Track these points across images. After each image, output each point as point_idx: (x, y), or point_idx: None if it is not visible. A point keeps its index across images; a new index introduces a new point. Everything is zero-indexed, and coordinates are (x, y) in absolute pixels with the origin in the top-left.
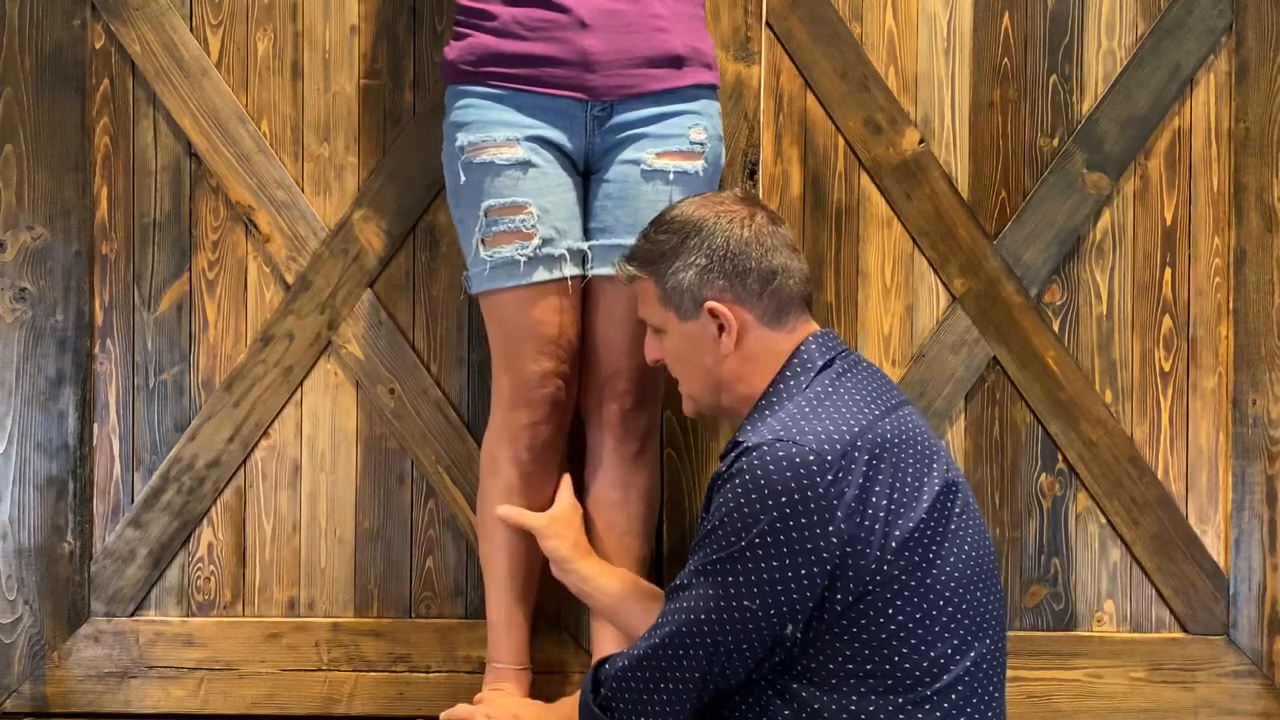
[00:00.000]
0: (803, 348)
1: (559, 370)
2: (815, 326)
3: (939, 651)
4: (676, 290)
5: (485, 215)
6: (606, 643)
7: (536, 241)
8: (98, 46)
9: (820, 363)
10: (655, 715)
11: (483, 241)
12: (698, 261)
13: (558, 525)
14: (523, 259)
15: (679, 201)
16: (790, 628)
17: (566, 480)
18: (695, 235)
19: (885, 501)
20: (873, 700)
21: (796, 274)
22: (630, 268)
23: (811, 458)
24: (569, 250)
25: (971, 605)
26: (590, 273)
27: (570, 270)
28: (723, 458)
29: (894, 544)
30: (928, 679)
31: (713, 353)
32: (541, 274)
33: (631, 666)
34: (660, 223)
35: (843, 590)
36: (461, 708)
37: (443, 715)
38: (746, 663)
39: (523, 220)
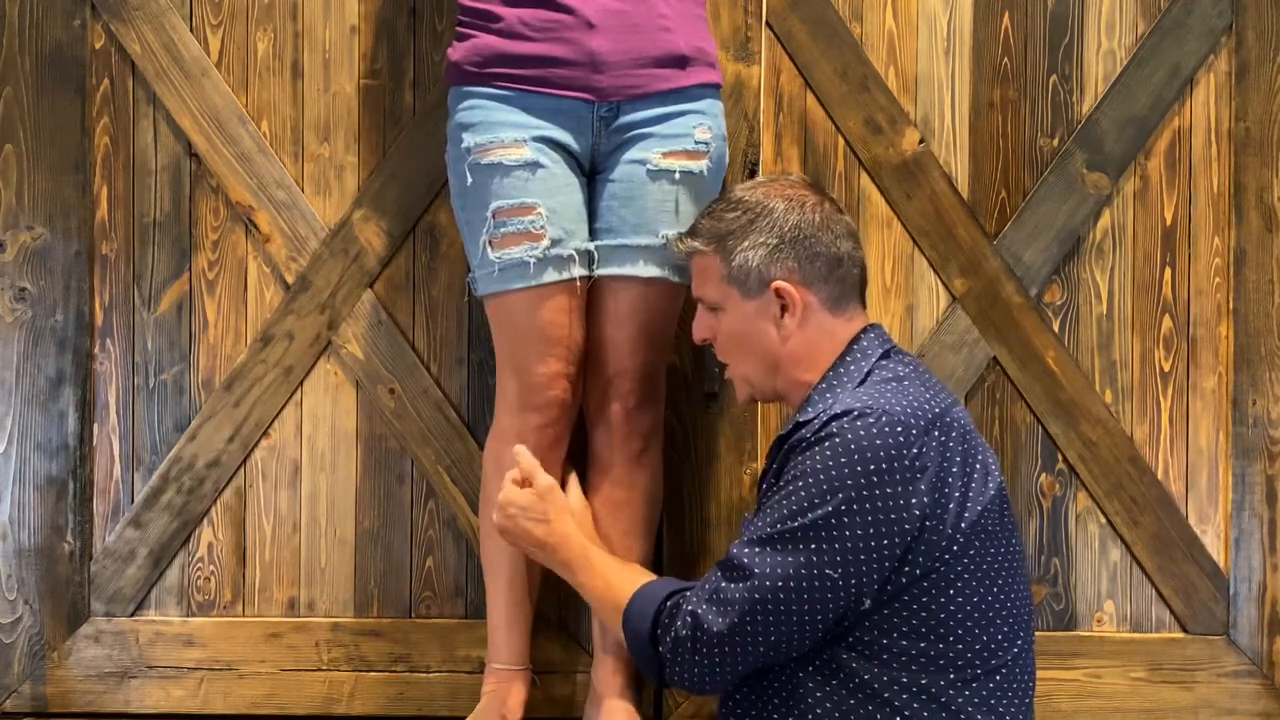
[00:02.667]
0: (863, 336)
1: (566, 372)
2: (868, 318)
3: (990, 636)
4: (743, 268)
5: (493, 217)
6: (608, 639)
7: (546, 242)
8: (98, 46)
9: (879, 352)
10: (705, 678)
11: (490, 243)
12: (768, 241)
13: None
14: (532, 260)
15: (745, 183)
16: (868, 601)
17: (575, 480)
18: (767, 216)
19: (959, 482)
20: (923, 678)
21: (859, 263)
22: (694, 243)
23: (899, 427)
24: (577, 251)
25: (1016, 600)
26: (596, 273)
27: (578, 271)
28: (783, 438)
29: (964, 525)
30: (978, 662)
31: (773, 333)
32: (551, 275)
33: (696, 638)
34: (728, 201)
35: (912, 564)
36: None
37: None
38: (816, 634)
39: (532, 221)
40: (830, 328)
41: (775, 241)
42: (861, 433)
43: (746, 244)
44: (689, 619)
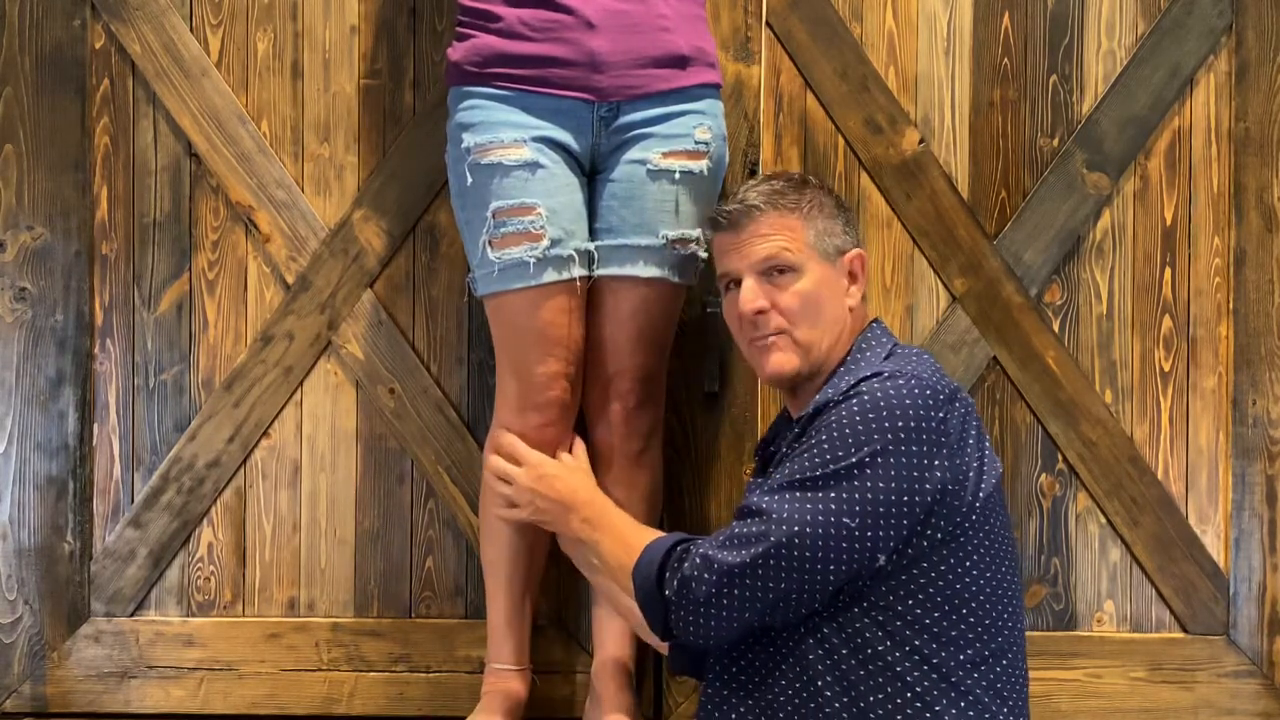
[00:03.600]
0: (876, 324)
1: (566, 372)
2: None
3: (999, 613)
4: (830, 232)
5: (493, 217)
6: (608, 640)
7: (545, 243)
8: (98, 46)
9: (892, 341)
10: (709, 623)
11: (490, 243)
12: (841, 214)
13: None
14: (532, 260)
15: (777, 170)
16: (883, 558)
17: (582, 448)
18: (828, 193)
19: (976, 453)
20: (939, 652)
21: None
22: (784, 202)
23: (929, 391)
24: (576, 251)
25: (1017, 588)
26: (596, 273)
27: (578, 271)
28: (801, 417)
29: (983, 493)
30: (986, 638)
31: (842, 300)
32: (551, 275)
33: (702, 572)
34: (789, 175)
35: (933, 528)
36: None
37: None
38: (825, 590)
39: (532, 221)
40: (865, 307)
41: (846, 215)
42: (892, 392)
43: (828, 211)
44: (699, 560)
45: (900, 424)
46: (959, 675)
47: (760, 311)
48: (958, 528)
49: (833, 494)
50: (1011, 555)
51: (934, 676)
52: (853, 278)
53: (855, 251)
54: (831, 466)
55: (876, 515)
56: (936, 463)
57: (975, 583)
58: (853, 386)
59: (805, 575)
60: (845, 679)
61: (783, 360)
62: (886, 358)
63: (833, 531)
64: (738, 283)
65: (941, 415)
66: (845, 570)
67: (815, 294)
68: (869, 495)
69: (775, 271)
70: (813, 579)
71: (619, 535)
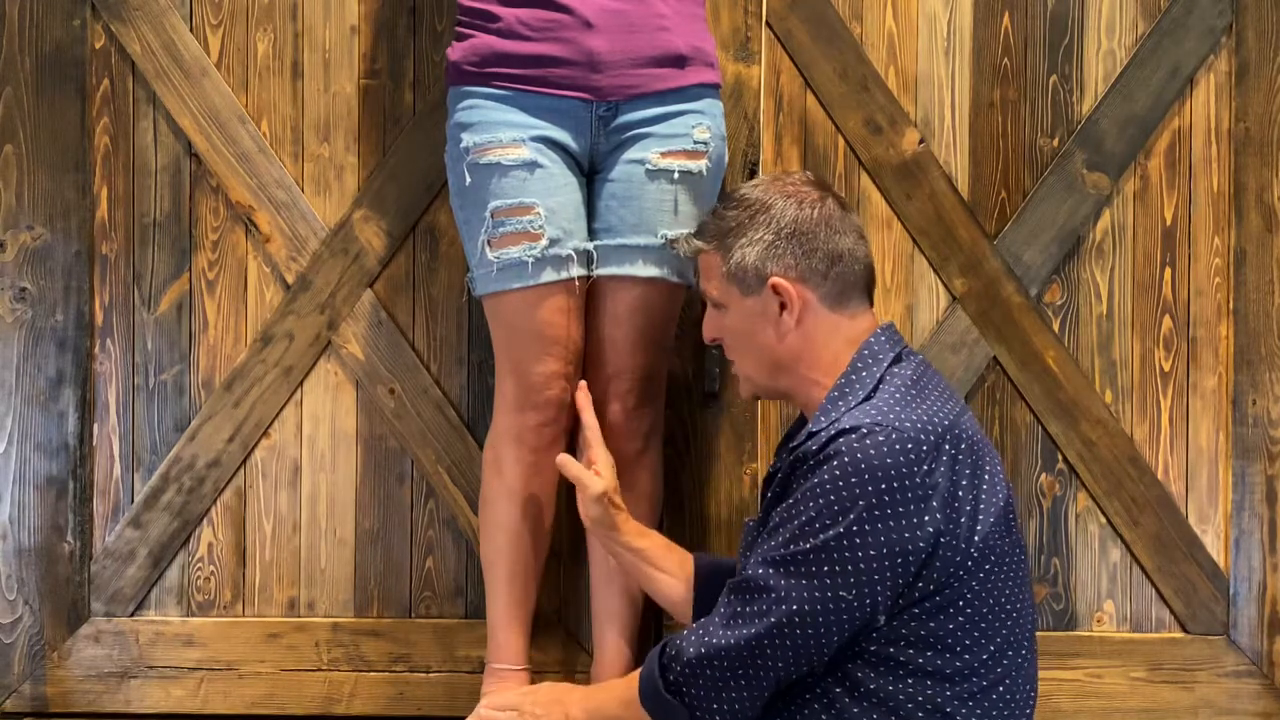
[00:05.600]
0: (873, 339)
1: (564, 371)
2: (875, 315)
3: (997, 647)
4: (741, 265)
5: (492, 217)
6: (608, 641)
7: (544, 242)
8: (98, 46)
9: (890, 356)
10: (731, 704)
11: (489, 243)
12: (765, 237)
13: (611, 493)
14: (530, 260)
15: (750, 181)
16: (882, 618)
17: (608, 458)
18: (764, 212)
19: (969, 496)
20: (929, 688)
21: (862, 259)
22: (697, 242)
23: (910, 444)
24: (575, 251)
25: (1020, 608)
26: (595, 273)
27: (577, 271)
28: (792, 447)
29: (977, 539)
30: (983, 670)
31: (773, 330)
32: (549, 275)
33: (710, 656)
34: (730, 199)
35: (926, 579)
36: (499, 698)
37: (482, 712)
38: (832, 649)
39: (530, 221)
40: (833, 324)
41: (771, 237)
42: (871, 451)
43: (744, 240)
44: (703, 648)
45: (883, 485)
46: (953, 705)
47: (713, 340)
48: (952, 576)
49: (825, 568)
50: (1016, 580)
51: (928, 708)
52: (783, 305)
53: (773, 280)
54: (821, 537)
55: (872, 582)
56: (926, 518)
57: (969, 620)
58: (830, 440)
59: (811, 648)
60: (841, 717)
61: (740, 388)
62: (874, 389)
63: (831, 606)
64: None
65: (926, 468)
66: (848, 634)
67: (737, 329)
68: (861, 565)
69: (714, 305)
70: (818, 648)
71: (613, 696)
